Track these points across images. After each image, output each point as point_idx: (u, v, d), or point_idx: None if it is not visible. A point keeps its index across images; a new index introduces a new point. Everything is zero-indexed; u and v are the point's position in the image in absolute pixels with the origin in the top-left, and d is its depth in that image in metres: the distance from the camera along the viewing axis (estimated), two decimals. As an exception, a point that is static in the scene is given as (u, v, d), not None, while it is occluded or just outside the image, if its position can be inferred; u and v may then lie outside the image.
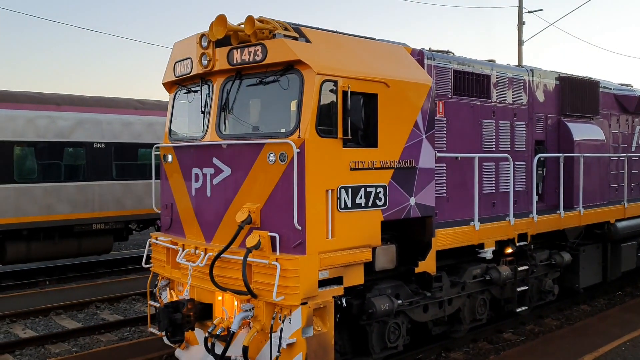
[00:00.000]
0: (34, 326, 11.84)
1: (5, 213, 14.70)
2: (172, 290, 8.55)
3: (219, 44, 7.67)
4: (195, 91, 8.33)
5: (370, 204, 7.57)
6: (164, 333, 7.88)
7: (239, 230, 7.08)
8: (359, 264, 7.52)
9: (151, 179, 9.33)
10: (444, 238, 8.69)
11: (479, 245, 9.46)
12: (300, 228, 6.85)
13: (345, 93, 7.19)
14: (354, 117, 7.23)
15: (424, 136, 8.32)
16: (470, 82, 9.98)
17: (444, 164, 9.47)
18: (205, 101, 8.05)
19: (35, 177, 15.40)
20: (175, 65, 8.55)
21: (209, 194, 7.79)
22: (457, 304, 9.46)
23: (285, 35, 7.13)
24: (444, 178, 9.50)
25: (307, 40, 7.25)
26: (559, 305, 12.49)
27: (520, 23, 29.00)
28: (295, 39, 7.18)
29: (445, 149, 9.49)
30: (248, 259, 6.94)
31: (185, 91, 8.62)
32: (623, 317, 11.58)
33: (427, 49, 9.49)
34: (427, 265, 8.42)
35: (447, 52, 10.09)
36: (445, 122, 9.53)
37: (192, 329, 7.76)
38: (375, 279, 8.24)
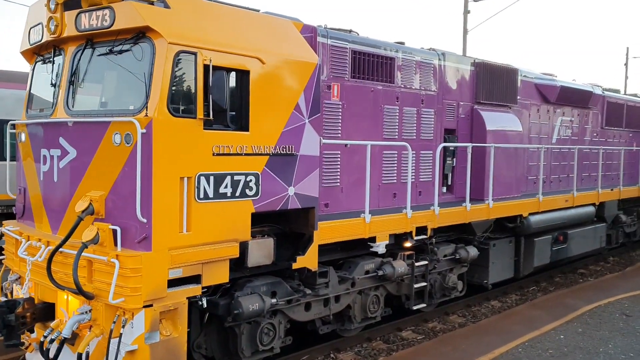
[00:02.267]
0: None
1: None
2: (19, 287, 7.58)
3: (68, 6, 6.69)
4: (51, 61, 7.32)
5: (238, 194, 6.77)
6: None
7: (78, 221, 6.18)
8: (223, 260, 6.73)
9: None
10: (328, 231, 7.99)
11: (373, 239, 8.82)
12: (145, 221, 6.00)
13: (207, 67, 6.34)
14: (218, 96, 6.40)
15: (306, 120, 7.56)
16: (372, 65, 9.26)
17: (338, 152, 8.77)
18: (57, 72, 7.06)
19: None
20: (29, 31, 7.52)
21: (55, 179, 6.84)
22: (346, 301, 8.83)
23: (139, -2, 6.20)
24: (338, 166, 8.79)
25: (166, 6, 6.33)
26: (467, 302, 12.04)
27: (466, 11, 28.62)
28: (152, 3, 6.26)
29: (340, 135, 8.78)
30: (88, 255, 6.08)
31: (42, 61, 7.59)
32: (530, 315, 11.21)
33: (324, 26, 8.73)
34: (308, 260, 7.70)
35: (350, 31, 9.34)
36: (340, 106, 8.81)
37: (31, 331, 6.85)
38: (250, 275, 7.50)
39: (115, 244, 6.09)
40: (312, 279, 8.18)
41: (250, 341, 7.47)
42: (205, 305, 6.80)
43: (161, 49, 6.10)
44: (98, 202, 6.23)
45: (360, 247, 8.96)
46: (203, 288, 6.68)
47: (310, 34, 8.33)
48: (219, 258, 6.63)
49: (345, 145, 8.57)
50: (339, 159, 8.80)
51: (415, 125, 10.15)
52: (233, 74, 6.70)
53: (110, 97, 6.85)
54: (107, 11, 6.27)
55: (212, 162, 6.49)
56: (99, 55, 6.64)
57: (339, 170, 8.82)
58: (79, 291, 5.90)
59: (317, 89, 7.69)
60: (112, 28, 6.26)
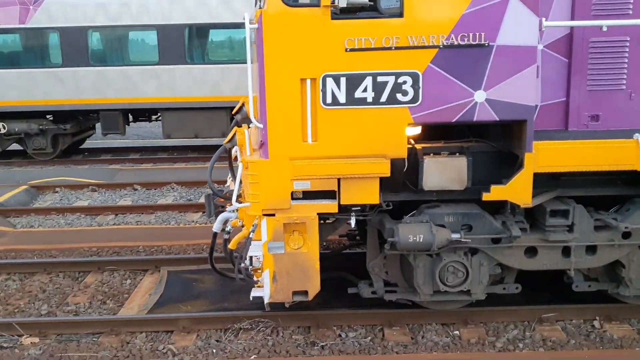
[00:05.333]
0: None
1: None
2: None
3: None
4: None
5: (384, 100, 5.46)
6: None
7: (234, 124, 6.28)
8: (369, 178, 5.67)
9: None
10: (554, 155, 5.60)
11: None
12: (261, 126, 5.60)
13: (337, -58, 5.16)
14: None
15: (511, -6, 5.28)
16: None
17: (627, 37, 5.81)
18: None
19: None
20: None
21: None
22: (611, 256, 6.14)
23: None
24: (624, 59, 5.86)
25: None
26: None
27: None
28: None
29: (629, 12, 5.77)
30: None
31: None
32: None
33: None
34: (511, 192, 5.65)
35: None
36: (632, -34, 5.71)
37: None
38: (438, 200, 6.09)
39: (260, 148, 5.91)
40: (542, 216, 6.02)
41: (429, 277, 6.17)
42: (353, 225, 5.97)
43: None
44: (251, 105, 6.09)
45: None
46: (354, 206, 5.87)
47: None
48: (359, 175, 5.62)
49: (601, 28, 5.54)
50: (626, 48, 5.84)
51: None
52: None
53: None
54: None
55: (344, 60, 5.39)
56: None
57: (625, 65, 5.88)
58: (212, 190, 6.08)
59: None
60: None
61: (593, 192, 6.13)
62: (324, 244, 8.94)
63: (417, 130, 5.95)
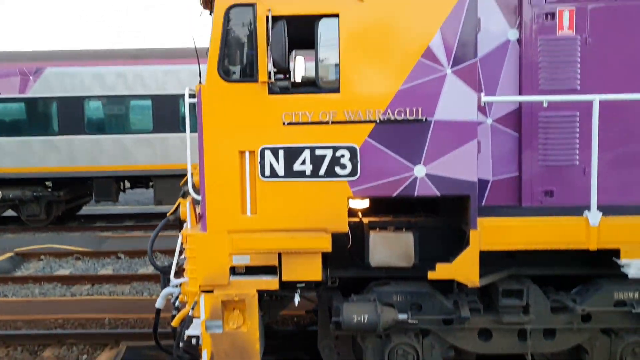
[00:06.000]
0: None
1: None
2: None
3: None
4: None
5: (322, 173, 5.37)
6: None
7: (182, 193, 6.20)
8: (310, 254, 5.49)
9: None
10: (500, 232, 5.39)
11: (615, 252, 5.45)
12: (199, 198, 5.52)
13: (274, 19, 5.21)
14: (284, 51, 5.19)
15: (447, 70, 5.25)
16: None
17: (576, 112, 5.71)
18: None
19: None
20: None
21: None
22: (571, 340, 5.80)
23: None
24: (575, 134, 5.74)
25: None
26: None
27: None
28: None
29: (577, 87, 5.69)
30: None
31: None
32: None
33: None
34: (457, 270, 5.42)
35: None
36: (577, 42, 5.67)
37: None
38: (388, 277, 5.87)
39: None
40: (496, 296, 5.75)
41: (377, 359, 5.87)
42: (297, 303, 5.75)
43: (216, 5, 5.35)
44: (195, 174, 6.04)
45: (605, 263, 5.67)
46: (299, 282, 5.67)
47: None
48: (300, 250, 5.45)
49: (543, 103, 5.44)
50: (576, 123, 5.73)
51: None
52: (309, 22, 5.27)
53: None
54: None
55: (281, 134, 5.35)
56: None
57: (577, 140, 5.75)
58: (152, 263, 5.94)
59: (471, 21, 5.21)
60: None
61: (550, 271, 5.88)
62: (293, 319, 8.66)
63: (365, 203, 5.82)
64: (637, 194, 5.69)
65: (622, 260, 5.31)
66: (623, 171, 5.70)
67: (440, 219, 5.86)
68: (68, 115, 16.36)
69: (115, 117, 16.59)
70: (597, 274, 5.75)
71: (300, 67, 7.14)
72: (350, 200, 5.61)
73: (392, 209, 6.12)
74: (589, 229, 5.29)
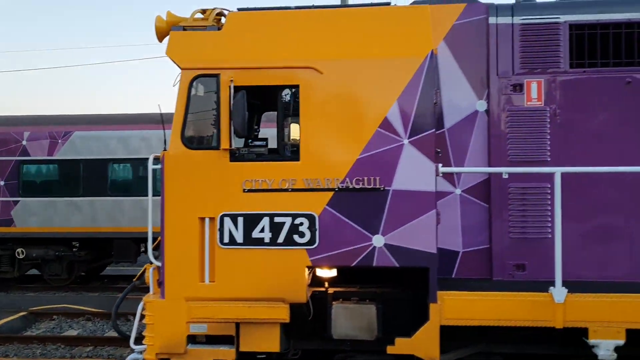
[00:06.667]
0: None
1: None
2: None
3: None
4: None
5: (281, 241, 5.35)
6: None
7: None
8: (269, 324, 5.40)
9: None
10: (463, 307, 5.19)
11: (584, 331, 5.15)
12: (159, 264, 5.54)
13: (236, 89, 5.36)
14: (244, 120, 5.31)
15: (405, 141, 5.25)
16: (623, 40, 5.54)
17: (547, 184, 5.57)
18: None
19: None
20: None
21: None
22: None
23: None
24: (547, 206, 5.59)
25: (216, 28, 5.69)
26: None
27: None
28: (203, 27, 5.74)
29: (547, 159, 5.60)
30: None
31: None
32: None
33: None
34: (417, 345, 5.22)
35: None
36: (546, 113, 5.62)
37: None
38: (355, 350, 5.70)
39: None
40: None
41: None
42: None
43: (182, 76, 5.55)
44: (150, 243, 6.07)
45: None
46: (259, 354, 5.55)
47: (479, 15, 5.72)
48: (257, 319, 5.37)
49: (502, 174, 5.33)
50: (547, 195, 5.59)
51: None
52: (271, 92, 5.40)
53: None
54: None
55: (241, 201, 5.39)
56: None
57: (549, 212, 5.59)
58: (115, 329, 5.93)
59: (428, 93, 5.23)
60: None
61: (524, 349, 5.60)
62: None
63: (332, 272, 5.73)
64: (611, 270, 5.45)
65: (591, 341, 5.02)
66: (595, 245, 5.49)
67: (406, 291, 5.70)
68: (92, 177, 16.89)
69: (137, 179, 17.02)
70: (570, 355, 5.44)
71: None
72: (318, 269, 5.56)
73: (366, 278, 6.00)
74: (555, 306, 5.05)
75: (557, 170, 5.11)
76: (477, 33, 5.73)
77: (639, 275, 5.52)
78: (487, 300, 5.17)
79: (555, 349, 5.51)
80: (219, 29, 5.65)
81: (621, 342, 5.02)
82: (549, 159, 5.57)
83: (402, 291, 5.71)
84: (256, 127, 6.83)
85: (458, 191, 5.70)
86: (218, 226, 5.39)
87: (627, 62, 5.58)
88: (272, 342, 5.41)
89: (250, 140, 6.21)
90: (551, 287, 5.12)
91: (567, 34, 5.62)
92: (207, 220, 5.43)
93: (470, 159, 5.71)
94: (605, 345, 4.99)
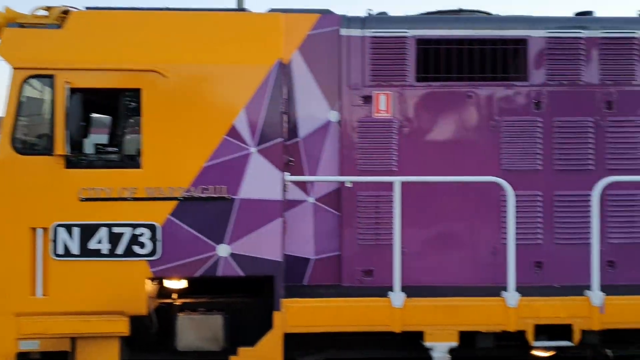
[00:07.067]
0: None
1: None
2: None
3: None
4: None
5: (121, 252, 5.11)
6: None
7: None
8: (108, 338, 5.14)
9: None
10: (305, 314, 5.23)
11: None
12: (-12, 277, 5.11)
13: (72, 91, 5.03)
14: (79, 124, 5.02)
15: (252, 149, 5.20)
16: (469, 56, 5.86)
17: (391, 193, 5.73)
18: None
19: None
20: None
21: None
22: None
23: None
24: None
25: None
26: None
27: None
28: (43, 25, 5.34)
29: (394, 169, 5.76)
30: None
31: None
32: None
33: (369, 12, 6.01)
34: (260, 354, 5.19)
35: (450, 11, 6.22)
36: (394, 125, 5.80)
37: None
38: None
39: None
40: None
41: None
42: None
43: (13, 75, 5.15)
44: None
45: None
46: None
47: (331, 27, 5.79)
48: (95, 334, 5.10)
49: (346, 183, 5.48)
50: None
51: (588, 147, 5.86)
52: (110, 95, 5.16)
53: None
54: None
55: (77, 210, 5.08)
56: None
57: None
58: None
59: (277, 102, 5.22)
60: None
61: (368, 354, 5.73)
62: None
63: (182, 284, 5.56)
64: (448, 275, 5.72)
65: (427, 344, 5.24)
66: (436, 251, 5.75)
67: (258, 300, 5.66)
68: None
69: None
70: (408, 358, 5.65)
71: None
72: (166, 281, 5.39)
73: (227, 287, 5.83)
74: (393, 311, 5.21)
75: (397, 180, 5.27)
76: (330, 44, 5.79)
77: (479, 280, 5.82)
78: (329, 306, 5.24)
79: (395, 353, 5.69)
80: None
81: (455, 344, 5.28)
82: (395, 169, 5.75)
83: (254, 300, 5.66)
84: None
85: (311, 200, 5.75)
86: (52, 237, 5.05)
87: (469, 77, 5.88)
88: (110, 357, 5.15)
89: (100, 147, 5.86)
90: (389, 292, 5.28)
91: (415, 48, 5.83)
92: (39, 230, 5.07)
93: (322, 168, 5.77)
94: (440, 348, 5.23)
